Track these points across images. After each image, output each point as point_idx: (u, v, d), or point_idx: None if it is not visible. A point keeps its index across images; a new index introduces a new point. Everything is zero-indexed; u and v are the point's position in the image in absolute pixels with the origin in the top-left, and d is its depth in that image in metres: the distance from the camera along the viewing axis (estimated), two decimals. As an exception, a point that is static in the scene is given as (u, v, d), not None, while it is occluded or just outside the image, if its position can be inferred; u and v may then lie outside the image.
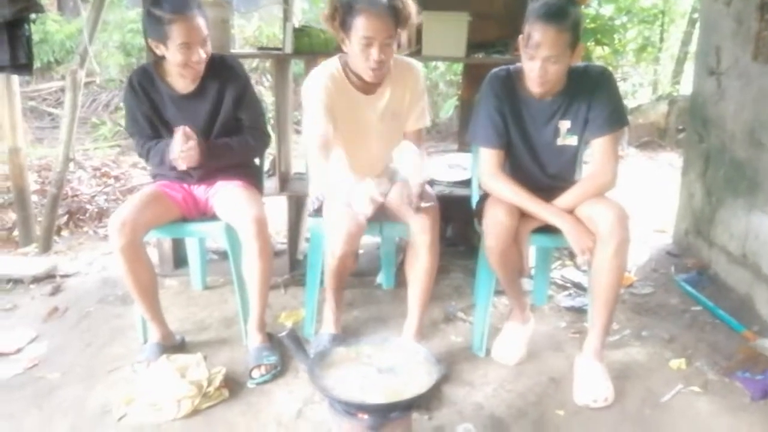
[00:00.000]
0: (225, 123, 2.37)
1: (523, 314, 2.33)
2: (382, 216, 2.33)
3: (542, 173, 2.24)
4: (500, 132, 2.17)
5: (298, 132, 4.16)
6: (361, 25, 2.01)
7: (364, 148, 2.29)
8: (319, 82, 2.16)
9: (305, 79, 2.23)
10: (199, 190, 2.41)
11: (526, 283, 2.84)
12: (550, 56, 1.96)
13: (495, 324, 2.42)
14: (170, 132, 2.31)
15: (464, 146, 3.50)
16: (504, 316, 2.47)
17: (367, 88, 2.22)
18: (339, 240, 2.08)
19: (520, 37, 2.05)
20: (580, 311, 2.65)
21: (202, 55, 2.19)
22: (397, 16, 2.05)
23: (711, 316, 2.64)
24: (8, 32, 2.95)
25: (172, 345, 2.31)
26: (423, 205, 2.08)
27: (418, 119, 2.31)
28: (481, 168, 2.22)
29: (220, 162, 2.35)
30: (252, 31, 7.95)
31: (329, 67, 2.21)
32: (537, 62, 1.97)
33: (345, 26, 2.06)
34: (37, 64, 7.42)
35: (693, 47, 6.26)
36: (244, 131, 2.43)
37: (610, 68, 7.05)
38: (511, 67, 2.19)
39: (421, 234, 2.13)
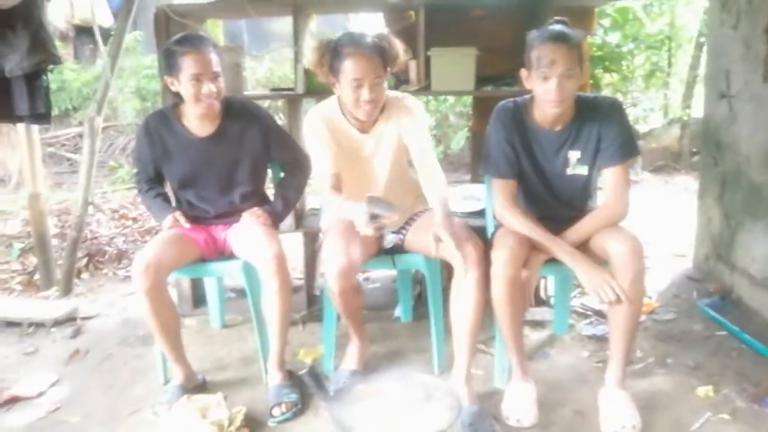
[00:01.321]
0: (252, 165, 2.43)
1: (525, 371, 2.20)
2: (412, 248, 2.35)
3: (555, 201, 2.25)
4: (511, 162, 2.18)
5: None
6: (349, 68, 2.07)
7: (367, 184, 2.31)
8: (316, 122, 2.23)
9: (305, 119, 2.29)
10: (217, 230, 2.44)
11: (546, 313, 2.82)
12: (565, 71, 1.98)
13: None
14: (177, 178, 2.41)
15: (477, 177, 3.51)
16: (530, 347, 2.43)
17: (364, 126, 2.27)
18: (333, 277, 2.07)
19: (522, 70, 2.09)
20: (601, 339, 2.61)
21: (212, 89, 2.23)
22: (384, 56, 2.12)
23: (737, 342, 2.59)
24: (27, 83, 3.04)
25: (194, 385, 2.31)
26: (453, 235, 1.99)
27: (426, 151, 2.24)
28: (496, 200, 2.23)
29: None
30: (263, 72, 8.11)
31: (326, 106, 2.29)
32: (553, 81, 1.99)
33: (333, 70, 2.13)
34: (55, 112, 7.59)
35: (702, 70, 6.27)
36: (287, 167, 2.55)
37: (620, 94, 7.15)
38: (519, 99, 2.22)
39: (468, 270, 2.03)
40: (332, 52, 2.12)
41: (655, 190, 5.82)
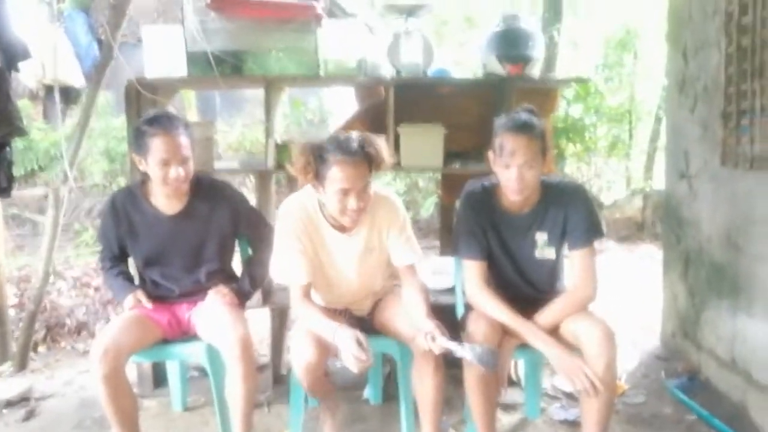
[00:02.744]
0: (220, 243, 2.41)
1: None
2: (373, 330, 2.33)
3: (524, 283, 2.27)
4: (482, 244, 2.21)
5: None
6: (336, 177, 1.99)
7: (343, 283, 2.29)
8: (293, 220, 2.15)
9: (280, 209, 2.23)
10: (181, 309, 2.39)
11: (517, 395, 2.79)
12: (525, 161, 2.04)
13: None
14: (142, 256, 2.37)
15: (446, 248, 3.52)
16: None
17: (343, 227, 2.19)
18: (300, 372, 2.06)
19: (490, 152, 2.14)
20: (574, 424, 2.57)
21: (180, 173, 2.21)
22: (370, 162, 2.04)
23: (707, 425, 2.58)
24: (-10, 157, 2.98)
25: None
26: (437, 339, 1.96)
27: (405, 253, 2.22)
28: (467, 281, 2.24)
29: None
30: (235, 137, 8.14)
31: (303, 201, 2.19)
32: (513, 170, 2.05)
33: (319, 177, 2.04)
34: (20, 172, 7.51)
35: (661, 143, 6.50)
36: (255, 245, 2.52)
37: (583, 164, 7.34)
38: (486, 183, 2.27)
39: (425, 359, 2.06)
40: (318, 159, 2.02)
41: (620, 259, 5.91)
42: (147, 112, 2.38)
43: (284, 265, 2.18)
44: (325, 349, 2.06)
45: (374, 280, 2.33)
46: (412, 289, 2.19)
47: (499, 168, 2.11)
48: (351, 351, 1.90)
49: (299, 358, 2.04)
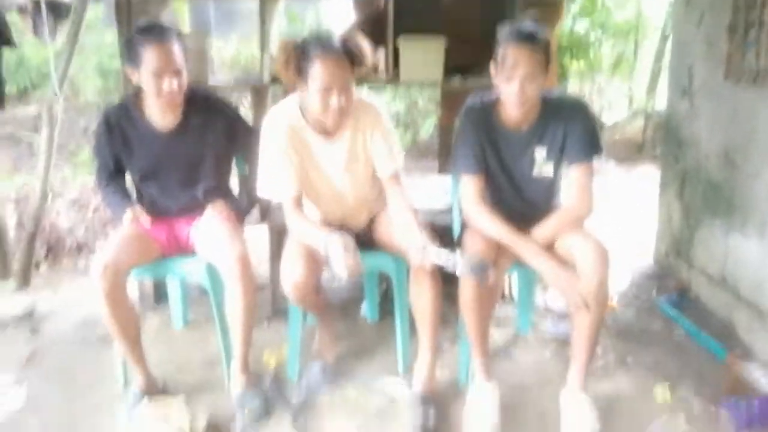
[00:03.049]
0: (216, 160, 2.38)
1: (489, 372, 2.21)
2: (370, 246, 2.35)
3: (521, 201, 2.26)
4: (479, 159, 2.19)
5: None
6: (318, 74, 1.98)
7: (332, 193, 2.29)
8: (277, 132, 2.14)
9: (263, 123, 2.20)
10: (179, 225, 2.39)
11: (509, 310, 2.85)
12: (527, 74, 1.99)
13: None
14: (139, 171, 2.35)
15: (445, 167, 3.51)
16: (493, 347, 2.45)
17: (328, 133, 2.19)
18: (289, 289, 2.10)
19: (492, 63, 2.08)
20: (564, 339, 2.64)
21: (174, 85, 2.16)
22: (352, 59, 2.03)
23: (694, 341, 2.66)
24: (-21, 67, 2.91)
25: (155, 389, 2.27)
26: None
27: (389, 161, 2.24)
28: (464, 197, 2.23)
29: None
30: (230, 53, 7.93)
31: (286, 111, 2.18)
32: (515, 83, 2.00)
33: (301, 73, 2.03)
34: (13, 90, 7.37)
35: (666, 63, 6.35)
36: (251, 162, 2.44)
37: (586, 82, 7.19)
38: (486, 99, 2.22)
39: (422, 269, 2.10)
40: (299, 55, 2.01)
41: (618, 180, 5.90)
42: (138, 22, 2.30)
43: (271, 179, 2.18)
44: (316, 267, 2.09)
45: (363, 191, 2.33)
46: (397, 201, 2.21)
47: (500, 81, 2.06)
48: (340, 256, 1.92)
49: (288, 275, 2.07)
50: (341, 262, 1.92)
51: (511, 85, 2.01)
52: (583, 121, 2.16)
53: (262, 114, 3.17)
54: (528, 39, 1.99)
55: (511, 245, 2.11)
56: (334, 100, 2.01)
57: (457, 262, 1.93)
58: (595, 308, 2.00)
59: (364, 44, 2.06)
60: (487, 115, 2.19)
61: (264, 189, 2.23)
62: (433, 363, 2.24)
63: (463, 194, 2.24)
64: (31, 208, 3.49)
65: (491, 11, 3.15)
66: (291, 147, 2.15)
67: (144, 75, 2.14)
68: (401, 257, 2.21)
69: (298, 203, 2.18)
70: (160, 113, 2.28)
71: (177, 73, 2.17)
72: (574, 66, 6.83)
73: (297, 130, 2.16)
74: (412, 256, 2.01)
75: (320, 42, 2.01)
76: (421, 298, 2.15)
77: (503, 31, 2.05)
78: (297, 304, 2.22)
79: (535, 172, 2.20)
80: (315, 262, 2.09)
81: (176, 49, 2.16)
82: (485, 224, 2.15)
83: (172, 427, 2.00)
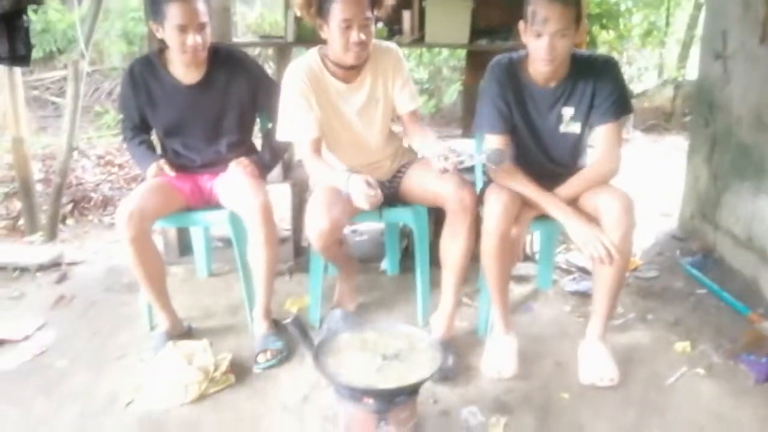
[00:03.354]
0: (239, 115, 2.39)
1: (508, 325, 2.22)
2: (395, 199, 2.36)
3: (546, 159, 2.24)
4: (505, 117, 2.16)
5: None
6: (338, 8, 2.02)
7: (353, 140, 2.30)
8: (297, 78, 2.16)
9: (285, 73, 2.22)
10: (203, 179, 2.42)
11: (530, 268, 2.85)
12: (557, 30, 1.94)
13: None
14: (163, 126, 2.37)
15: (468, 132, 3.49)
16: (513, 301, 2.46)
17: (348, 77, 2.21)
18: (314, 238, 2.10)
19: (521, 22, 2.04)
20: (584, 295, 2.64)
21: (198, 40, 2.17)
22: None
23: (716, 299, 2.64)
24: (6, 24, 2.95)
25: (180, 333, 2.32)
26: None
27: (408, 101, 2.29)
28: None
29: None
30: (254, 17, 7.92)
31: (307, 60, 2.21)
32: (545, 39, 1.96)
33: (322, 12, 2.07)
34: (39, 54, 7.45)
35: (699, 31, 6.21)
36: (274, 119, 2.44)
37: (615, 52, 7.06)
38: (515, 54, 2.19)
39: (460, 213, 2.11)
40: None
41: (646, 149, 5.83)
42: None
43: (291, 122, 2.20)
44: (340, 216, 2.08)
45: (383, 136, 2.34)
46: (418, 129, 2.29)
47: (529, 37, 2.01)
48: (361, 190, 1.95)
49: (314, 225, 2.07)
50: (362, 193, 1.95)
51: (540, 41, 1.97)
52: (613, 79, 2.11)
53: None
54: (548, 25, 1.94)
55: (534, 200, 2.10)
56: (355, 36, 2.04)
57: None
58: (618, 260, 1.98)
59: None
60: (514, 71, 2.15)
61: (284, 132, 2.25)
62: (454, 310, 2.25)
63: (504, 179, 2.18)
64: (58, 164, 3.55)
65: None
66: (311, 92, 2.17)
67: (168, 30, 2.15)
68: (437, 203, 2.22)
69: (318, 147, 2.19)
70: (184, 68, 2.29)
71: (201, 28, 2.17)
72: (604, 36, 6.70)
73: (318, 76, 2.18)
74: (434, 163, 2.00)
75: None
76: (455, 242, 2.15)
77: None
78: (320, 254, 2.24)
79: (562, 128, 2.17)
80: (340, 211, 2.09)
81: (200, 4, 2.16)
82: (508, 179, 2.13)
83: (195, 367, 2.04)
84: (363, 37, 2.06)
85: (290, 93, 2.17)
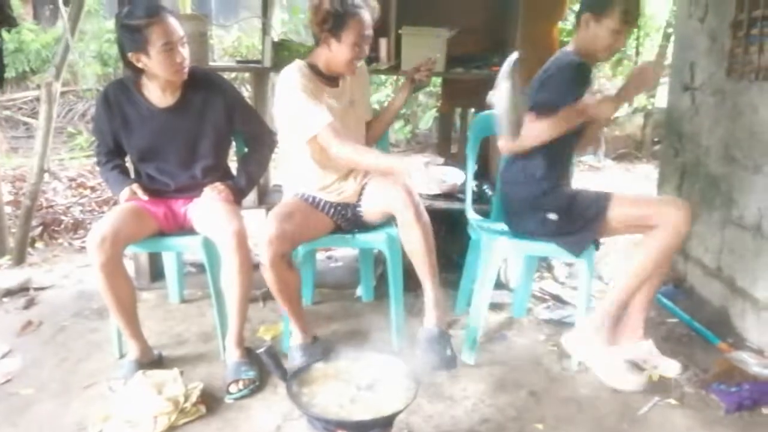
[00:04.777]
0: (215, 138, 2.38)
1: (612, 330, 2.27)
2: (357, 224, 2.39)
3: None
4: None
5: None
6: (356, 29, 2.19)
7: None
8: (297, 78, 2.23)
9: (280, 78, 2.29)
10: (177, 204, 2.39)
11: (506, 296, 2.86)
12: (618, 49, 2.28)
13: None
14: (137, 150, 2.35)
15: (445, 159, 3.52)
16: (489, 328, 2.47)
17: (331, 83, 2.35)
18: (264, 246, 2.09)
19: (588, 14, 2.18)
20: (558, 324, 2.66)
21: (185, 55, 2.20)
22: (372, 15, 2.27)
23: (687, 329, 2.67)
24: (-20, 46, 2.91)
25: (150, 361, 2.27)
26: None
27: (369, 109, 2.59)
28: (529, 139, 2.18)
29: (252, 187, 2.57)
30: (231, 41, 7.95)
31: (298, 66, 2.29)
32: (622, 35, 2.19)
33: (335, 30, 2.20)
34: (12, 74, 7.37)
35: (667, 61, 6.38)
36: (250, 142, 2.53)
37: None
38: (575, 56, 2.23)
39: (405, 211, 2.16)
40: (338, 13, 2.17)
41: (617, 178, 5.93)
42: (123, 10, 2.26)
43: (303, 116, 2.22)
44: (293, 231, 2.15)
45: (362, 135, 2.50)
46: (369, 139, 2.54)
47: (601, 29, 2.17)
48: (423, 171, 1.95)
49: (267, 230, 2.11)
50: (425, 176, 1.96)
51: (618, 36, 2.17)
52: None
53: (263, 98, 3.19)
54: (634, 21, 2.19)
55: (573, 118, 2.15)
56: (366, 49, 2.27)
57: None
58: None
59: (376, 4, 2.29)
60: (588, 69, 2.24)
61: (303, 127, 2.22)
62: (438, 298, 2.22)
63: (529, 136, 2.16)
64: (28, 186, 3.49)
65: (494, 4, 3.17)
66: (310, 92, 2.23)
67: (154, 54, 2.15)
68: (396, 234, 2.27)
69: (339, 131, 2.20)
70: (160, 92, 2.29)
71: (183, 43, 2.20)
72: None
73: (308, 77, 2.28)
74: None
75: (356, 2, 2.20)
76: (410, 236, 2.19)
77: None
78: (270, 270, 2.11)
79: None
80: (297, 225, 2.17)
81: (174, 21, 2.19)
82: (542, 130, 2.15)
83: (165, 398, 2.00)
84: (366, 52, 2.28)
85: (295, 90, 2.21)
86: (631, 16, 2.16)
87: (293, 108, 2.23)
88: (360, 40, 2.21)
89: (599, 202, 2.24)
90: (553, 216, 2.24)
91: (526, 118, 2.11)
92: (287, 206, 2.29)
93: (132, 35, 2.14)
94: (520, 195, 2.30)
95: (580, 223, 2.23)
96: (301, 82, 2.22)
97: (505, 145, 2.24)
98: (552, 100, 2.17)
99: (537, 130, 2.14)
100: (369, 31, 2.24)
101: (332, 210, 2.36)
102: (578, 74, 2.20)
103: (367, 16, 2.22)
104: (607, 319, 2.22)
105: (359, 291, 2.95)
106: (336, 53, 2.24)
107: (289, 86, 2.23)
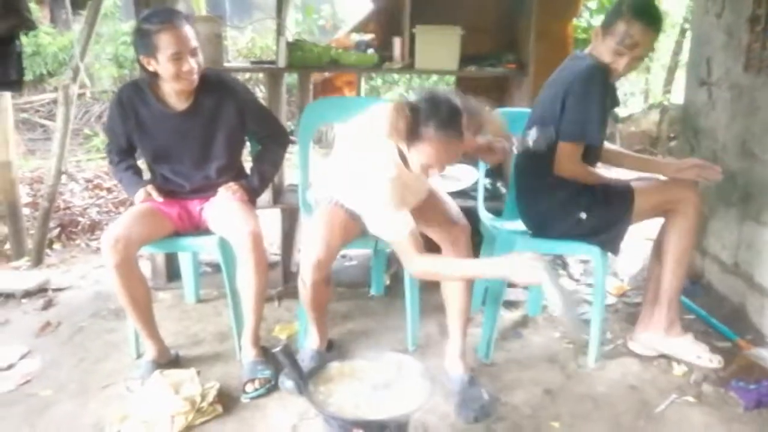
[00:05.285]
0: (228, 139, 2.38)
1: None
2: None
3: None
4: (604, 128, 2.20)
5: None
6: (434, 152, 1.77)
7: None
8: (397, 187, 1.89)
9: (381, 169, 1.90)
10: (192, 204, 2.41)
11: (520, 294, 2.85)
12: (642, 55, 2.10)
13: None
14: (151, 152, 2.36)
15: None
16: (501, 327, 2.46)
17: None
18: (308, 267, 2.04)
19: (599, 28, 2.14)
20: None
21: (193, 65, 2.18)
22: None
23: (705, 325, 2.65)
24: (-1, 49, 2.95)
25: (167, 361, 2.29)
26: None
27: None
28: (567, 160, 2.19)
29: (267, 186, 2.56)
30: (245, 42, 7.98)
31: (394, 161, 1.92)
32: (626, 58, 2.08)
33: (411, 139, 1.79)
34: (29, 77, 7.45)
35: (684, 57, 6.32)
36: (264, 141, 2.52)
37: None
38: (597, 61, 2.15)
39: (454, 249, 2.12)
40: (413, 121, 1.77)
41: (633, 174, 5.87)
42: (143, 11, 2.28)
43: (389, 219, 1.91)
44: (336, 244, 2.07)
45: None
46: None
47: (608, 47, 2.11)
48: (555, 284, 1.68)
49: (310, 252, 2.03)
50: (558, 292, 1.67)
51: (621, 59, 2.09)
52: None
53: (277, 99, 3.20)
54: (655, 22, 2.07)
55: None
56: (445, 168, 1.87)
57: (529, 136, 2.01)
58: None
59: (482, 109, 1.86)
60: (607, 78, 2.16)
61: (379, 227, 1.95)
62: (466, 348, 2.20)
63: (566, 157, 2.17)
64: (46, 188, 3.53)
65: (507, 2, 3.15)
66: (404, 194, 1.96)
67: (162, 61, 2.15)
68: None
69: (419, 241, 1.90)
70: (174, 95, 2.29)
71: (194, 52, 2.19)
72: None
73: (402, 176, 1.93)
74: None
75: (442, 123, 1.75)
76: (450, 290, 2.16)
77: (629, 3, 2.07)
78: (309, 288, 2.08)
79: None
80: (336, 240, 2.06)
81: (188, 29, 2.18)
82: (586, 174, 2.22)
83: (182, 397, 2.01)
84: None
85: (390, 198, 1.88)
86: (631, 41, 2.03)
87: (382, 210, 1.91)
88: (442, 161, 1.82)
89: (624, 195, 2.25)
90: (583, 215, 2.22)
91: (560, 147, 2.15)
92: (328, 219, 2.09)
93: (143, 39, 2.16)
94: (549, 199, 2.26)
95: (611, 217, 2.23)
96: (399, 191, 1.89)
97: None
98: (579, 121, 2.13)
99: (583, 176, 2.23)
100: (453, 155, 1.83)
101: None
102: (599, 85, 2.10)
103: (458, 140, 1.79)
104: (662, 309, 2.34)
105: (372, 289, 2.95)
106: (413, 160, 1.85)
107: (387, 187, 1.87)
